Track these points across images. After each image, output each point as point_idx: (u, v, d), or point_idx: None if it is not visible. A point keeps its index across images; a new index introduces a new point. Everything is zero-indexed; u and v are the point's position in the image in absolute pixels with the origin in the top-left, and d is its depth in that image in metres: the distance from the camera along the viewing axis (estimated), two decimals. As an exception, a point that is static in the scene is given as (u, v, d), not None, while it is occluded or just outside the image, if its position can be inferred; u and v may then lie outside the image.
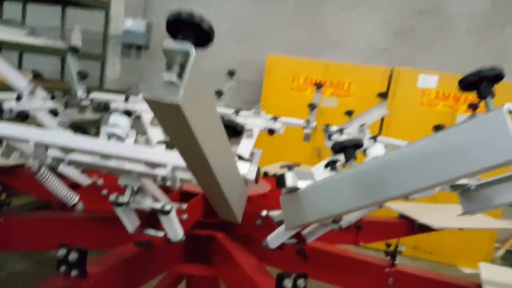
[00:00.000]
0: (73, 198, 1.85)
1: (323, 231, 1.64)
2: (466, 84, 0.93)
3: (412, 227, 2.37)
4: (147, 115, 2.87)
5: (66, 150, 1.34)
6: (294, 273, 1.38)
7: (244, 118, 3.03)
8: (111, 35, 6.06)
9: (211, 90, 0.82)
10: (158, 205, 1.41)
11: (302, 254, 1.75)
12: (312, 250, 1.79)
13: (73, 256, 1.30)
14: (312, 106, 3.05)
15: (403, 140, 2.89)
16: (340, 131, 2.98)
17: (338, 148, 1.21)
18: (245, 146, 2.63)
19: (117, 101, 2.94)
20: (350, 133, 2.97)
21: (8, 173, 2.19)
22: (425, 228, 2.33)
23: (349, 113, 3.09)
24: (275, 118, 3.03)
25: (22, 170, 2.17)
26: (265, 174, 2.80)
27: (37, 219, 1.86)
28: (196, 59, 0.69)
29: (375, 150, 1.61)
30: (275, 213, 1.72)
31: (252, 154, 2.66)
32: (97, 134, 5.80)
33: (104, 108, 2.91)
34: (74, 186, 2.00)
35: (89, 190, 2.04)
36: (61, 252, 1.32)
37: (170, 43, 0.69)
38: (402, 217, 2.43)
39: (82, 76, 2.82)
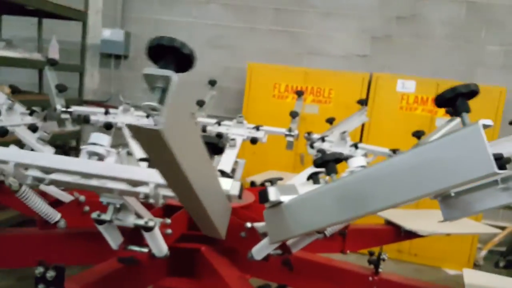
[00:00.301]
0: (54, 215, 1.82)
1: (308, 241, 1.64)
2: (442, 100, 0.95)
3: (398, 233, 2.37)
4: (128, 127, 2.85)
5: (47, 170, 1.33)
6: (275, 284, 1.38)
7: (227, 128, 3.03)
8: (89, 45, 5.98)
9: (192, 111, 0.82)
10: (141, 222, 1.40)
11: (288, 265, 1.75)
12: (297, 260, 1.79)
13: (50, 274, 1.28)
14: (293, 114, 3.05)
15: (383, 145, 2.91)
16: (322, 139, 2.99)
17: (320, 163, 1.22)
18: (228, 156, 2.62)
19: (97, 113, 2.91)
20: (332, 140, 2.98)
21: None
22: (411, 234, 2.33)
23: (330, 121, 3.11)
24: (257, 127, 3.03)
25: (3, 185, 2.13)
26: (252, 184, 2.78)
27: (19, 237, 1.83)
28: (177, 83, 0.68)
29: (356, 161, 1.61)
30: (259, 225, 1.71)
31: (235, 163, 2.66)
32: (77, 146, 5.66)
33: (84, 120, 2.88)
34: (56, 202, 1.97)
35: (71, 207, 2.00)
36: (39, 270, 1.30)
37: (151, 69, 0.68)
38: (389, 223, 2.43)
39: (61, 89, 2.78)
